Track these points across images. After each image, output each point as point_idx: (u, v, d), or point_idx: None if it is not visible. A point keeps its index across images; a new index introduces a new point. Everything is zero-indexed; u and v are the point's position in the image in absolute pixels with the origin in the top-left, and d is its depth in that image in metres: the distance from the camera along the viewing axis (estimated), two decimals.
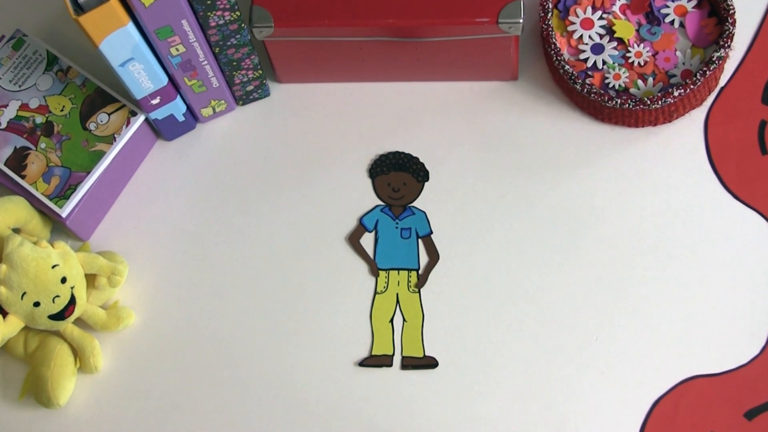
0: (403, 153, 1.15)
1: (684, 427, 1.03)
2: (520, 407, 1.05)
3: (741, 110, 1.14)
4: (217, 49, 1.09)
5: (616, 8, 1.15)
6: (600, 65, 1.13)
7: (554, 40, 1.12)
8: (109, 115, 1.13)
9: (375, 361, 1.08)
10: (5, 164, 1.11)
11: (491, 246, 1.11)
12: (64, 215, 1.10)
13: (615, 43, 1.14)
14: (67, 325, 1.09)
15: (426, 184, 1.14)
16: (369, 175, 1.15)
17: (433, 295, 1.10)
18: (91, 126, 1.13)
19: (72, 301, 1.06)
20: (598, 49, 1.14)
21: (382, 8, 1.07)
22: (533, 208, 1.12)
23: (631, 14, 1.15)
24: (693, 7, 1.14)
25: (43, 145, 1.11)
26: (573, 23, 1.15)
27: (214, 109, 1.17)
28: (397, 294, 1.10)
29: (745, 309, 1.06)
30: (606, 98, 1.09)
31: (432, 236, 1.12)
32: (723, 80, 1.15)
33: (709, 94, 1.14)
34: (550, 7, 1.14)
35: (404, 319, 1.10)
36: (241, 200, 1.15)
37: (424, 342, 1.08)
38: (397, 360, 1.08)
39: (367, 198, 1.14)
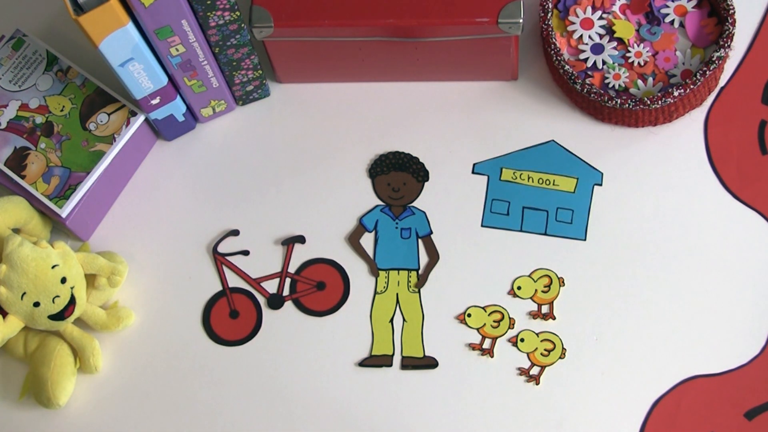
0: (403, 153, 1.15)
1: (684, 427, 1.03)
2: (519, 407, 1.05)
3: (741, 110, 1.13)
4: (217, 49, 1.09)
5: (616, 8, 1.15)
6: (600, 65, 1.13)
7: (554, 40, 1.12)
8: (108, 115, 1.13)
9: (375, 361, 1.08)
10: (5, 164, 1.11)
11: (491, 246, 1.11)
12: (64, 215, 1.10)
13: (615, 43, 1.14)
14: (67, 326, 1.09)
15: (426, 184, 1.14)
16: (369, 175, 1.15)
17: (433, 295, 1.10)
18: (91, 126, 1.12)
19: (72, 301, 1.06)
20: (598, 49, 1.14)
21: (382, 8, 1.07)
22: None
23: (631, 14, 1.15)
24: (693, 7, 1.14)
25: (43, 145, 1.11)
26: (573, 23, 1.15)
27: (214, 109, 1.17)
28: (397, 294, 1.10)
29: (745, 309, 1.06)
30: (606, 98, 1.09)
31: (432, 236, 1.12)
32: (723, 80, 1.15)
33: (709, 94, 1.14)
34: (550, 7, 1.14)
35: (404, 319, 1.09)
36: (240, 200, 1.15)
37: (424, 342, 1.08)
38: (397, 360, 1.08)
39: (367, 198, 1.14)
